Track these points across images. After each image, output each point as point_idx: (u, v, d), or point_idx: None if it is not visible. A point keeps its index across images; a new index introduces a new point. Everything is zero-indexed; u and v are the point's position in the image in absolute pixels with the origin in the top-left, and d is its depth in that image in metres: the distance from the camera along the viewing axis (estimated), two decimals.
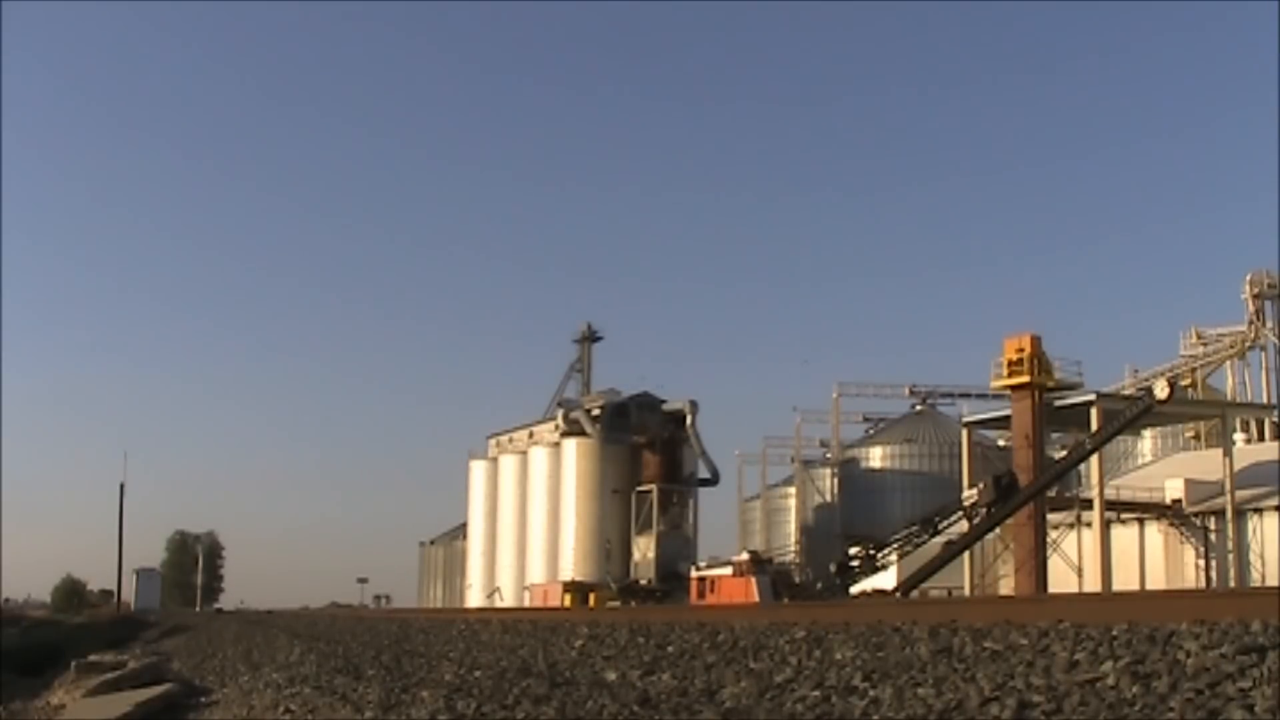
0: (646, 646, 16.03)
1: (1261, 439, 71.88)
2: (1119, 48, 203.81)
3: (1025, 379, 57.40)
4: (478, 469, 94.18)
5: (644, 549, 79.69)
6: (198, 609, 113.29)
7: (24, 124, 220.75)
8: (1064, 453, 60.58)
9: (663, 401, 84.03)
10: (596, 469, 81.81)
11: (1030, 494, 54.43)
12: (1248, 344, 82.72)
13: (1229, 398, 78.45)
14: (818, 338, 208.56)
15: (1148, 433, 78.34)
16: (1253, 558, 54.80)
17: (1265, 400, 79.23)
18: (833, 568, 57.22)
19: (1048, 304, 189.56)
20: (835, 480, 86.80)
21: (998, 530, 57.10)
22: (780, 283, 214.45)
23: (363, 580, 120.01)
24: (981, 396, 78.60)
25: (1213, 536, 56.76)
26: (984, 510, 53.87)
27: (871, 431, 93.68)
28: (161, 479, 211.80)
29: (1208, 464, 60.90)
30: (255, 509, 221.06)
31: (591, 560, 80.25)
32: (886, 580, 56.05)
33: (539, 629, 21.51)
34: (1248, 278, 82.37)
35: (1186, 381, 78.91)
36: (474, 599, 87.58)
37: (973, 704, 8.59)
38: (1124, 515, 58.99)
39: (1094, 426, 54.98)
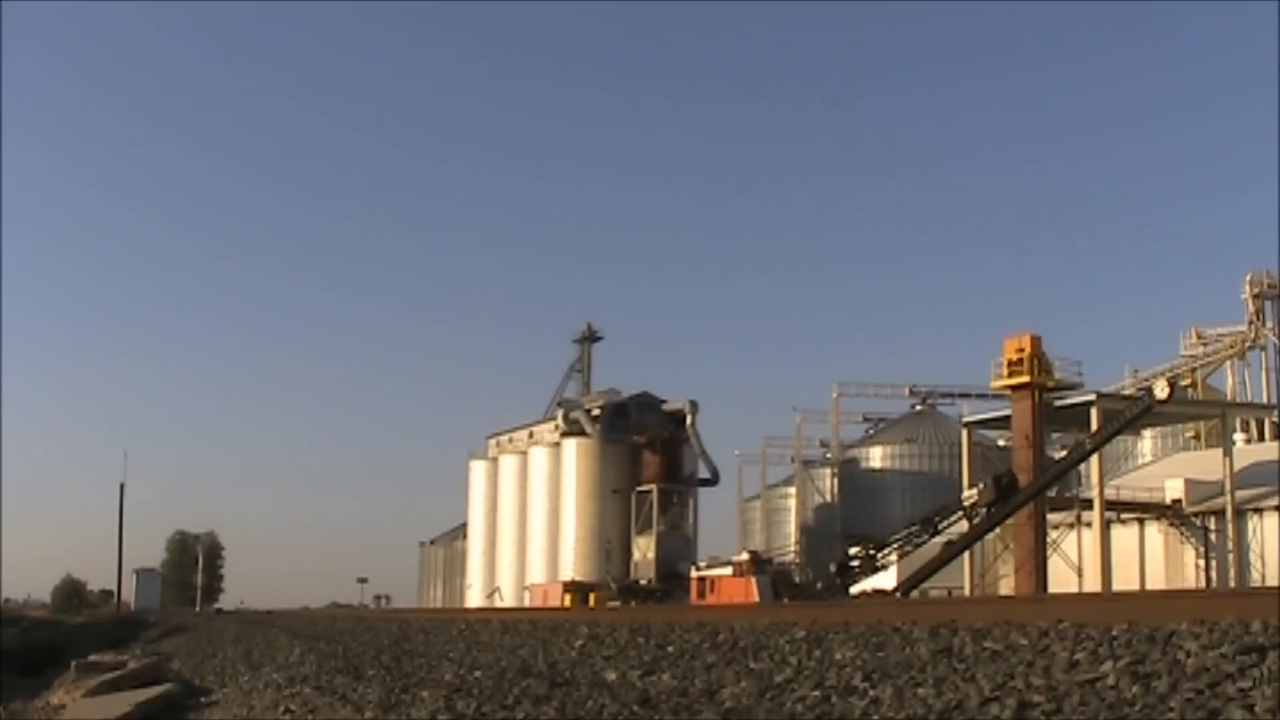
0: (646, 646, 16.03)
1: (1261, 439, 71.88)
2: (1119, 47, 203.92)
3: (1025, 379, 57.39)
4: (478, 469, 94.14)
5: (644, 549, 79.65)
6: (198, 609, 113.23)
7: (24, 123, 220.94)
8: (1064, 453, 60.56)
9: (663, 401, 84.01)
10: (596, 469, 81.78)
11: (1030, 494, 54.42)
12: (1248, 344, 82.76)
13: (1229, 398, 78.45)
14: (818, 338, 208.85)
15: (1148, 433, 78.33)
16: (1253, 558, 54.80)
17: (1265, 400, 79.26)
18: (833, 568, 57.20)
19: (1048, 304, 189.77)
20: (835, 480, 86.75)
21: (998, 530, 57.09)
22: (780, 282, 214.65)
23: (363, 580, 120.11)
24: (981, 396, 78.62)
25: (1213, 536, 56.76)
26: (984, 510, 53.86)
27: (871, 431, 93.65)
28: (161, 479, 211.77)
29: (1208, 464, 60.89)
30: (255, 509, 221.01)
31: (591, 560, 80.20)
32: (886, 580, 56.03)
33: (539, 629, 21.51)
34: (1248, 278, 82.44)
35: (1186, 381, 78.92)
36: (474, 599, 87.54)
37: (973, 704, 8.59)
38: (1124, 515, 58.99)
39: (1094, 426, 54.97)
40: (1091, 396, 58.58)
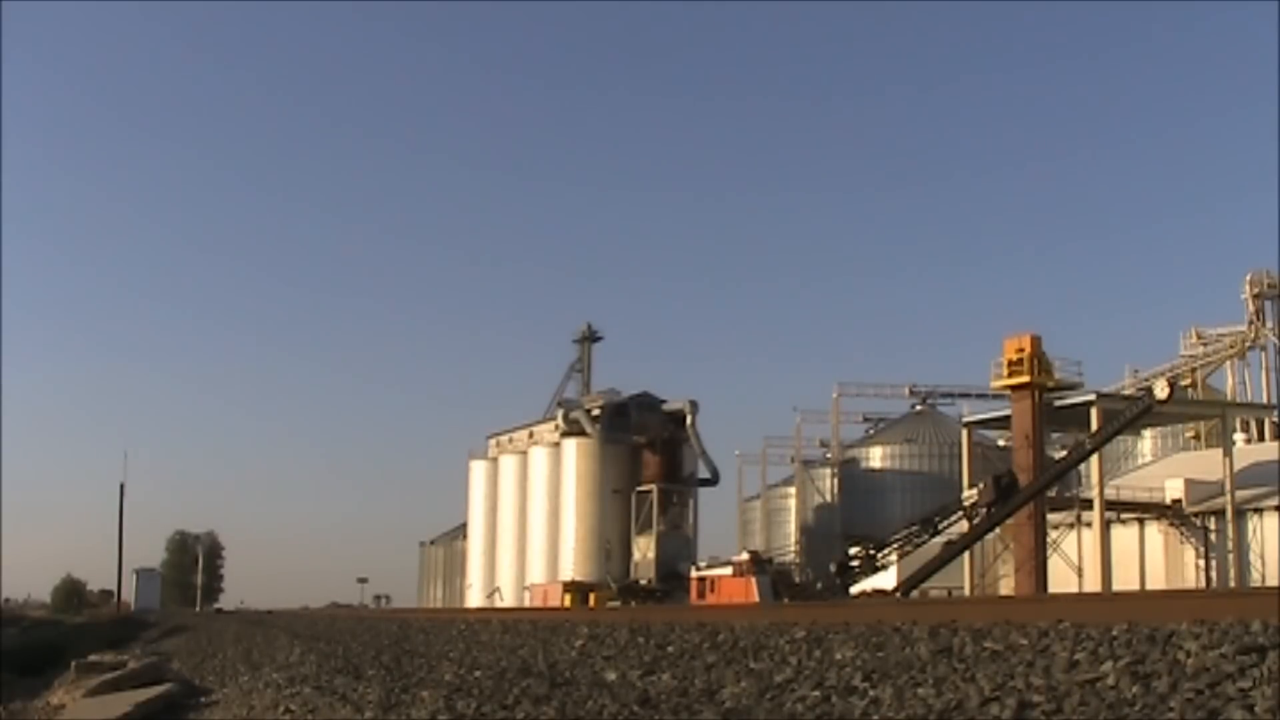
0: (646, 646, 16.03)
1: (1261, 439, 71.90)
2: (1119, 48, 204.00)
3: (1025, 379, 57.40)
4: (478, 469, 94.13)
5: (644, 549, 79.64)
6: (198, 609, 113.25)
7: (24, 123, 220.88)
8: (1064, 453, 60.57)
9: (663, 401, 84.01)
10: (596, 469, 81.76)
11: (1030, 494, 54.41)
12: (1248, 344, 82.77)
13: (1229, 398, 78.45)
14: (818, 338, 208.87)
15: (1148, 433, 78.33)
16: (1253, 558, 54.81)
17: (1265, 400, 79.26)
18: (833, 568, 57.18)
19: (1048, 304, 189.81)
20: (835, 480, 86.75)
21: (998, 530, 57.09)
22: (780, 283, 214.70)
23: (363, 580, 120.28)
24: (981, 396, 78.61)
25: (1213, 536, 56.77)
26: (984, 510, 53.85)
27: (871, 431, 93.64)
28: (161, 479, 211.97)
29: (1208, 464, 60.90)
30: (255, 509, 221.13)
31: (591, 560, 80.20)
32: (886, 580, 56.03)
33: (539, 629, 21.51)
34: (1248, 278, 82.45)
35: (1186, 381, 78.93)
36: (474, 599, 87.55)
37: (973, 704, 8.59)
38: (1124, 515, 58.99)
39: (1094, 426, 54.97)
40: (1091, 396, 58.58)
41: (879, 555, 56.26)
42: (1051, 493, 58.46)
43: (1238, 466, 57.07)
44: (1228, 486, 56.02)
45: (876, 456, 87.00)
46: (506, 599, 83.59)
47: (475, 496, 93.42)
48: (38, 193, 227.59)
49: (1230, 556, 55.42)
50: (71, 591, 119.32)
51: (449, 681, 14.66)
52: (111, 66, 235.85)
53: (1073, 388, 59.96)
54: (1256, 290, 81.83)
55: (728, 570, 59.03)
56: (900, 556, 56.56)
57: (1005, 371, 58.52)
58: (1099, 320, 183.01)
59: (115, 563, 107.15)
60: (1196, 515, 57.56)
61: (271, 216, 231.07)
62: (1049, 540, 57.90)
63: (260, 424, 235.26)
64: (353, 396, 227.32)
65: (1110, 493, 57.65)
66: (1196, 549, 57.34)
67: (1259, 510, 55.35)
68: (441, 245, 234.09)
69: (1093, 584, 54.25)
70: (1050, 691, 8.51)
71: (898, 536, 56.87)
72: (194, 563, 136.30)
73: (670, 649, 15.38)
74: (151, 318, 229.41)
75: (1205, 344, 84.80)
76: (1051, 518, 58.88)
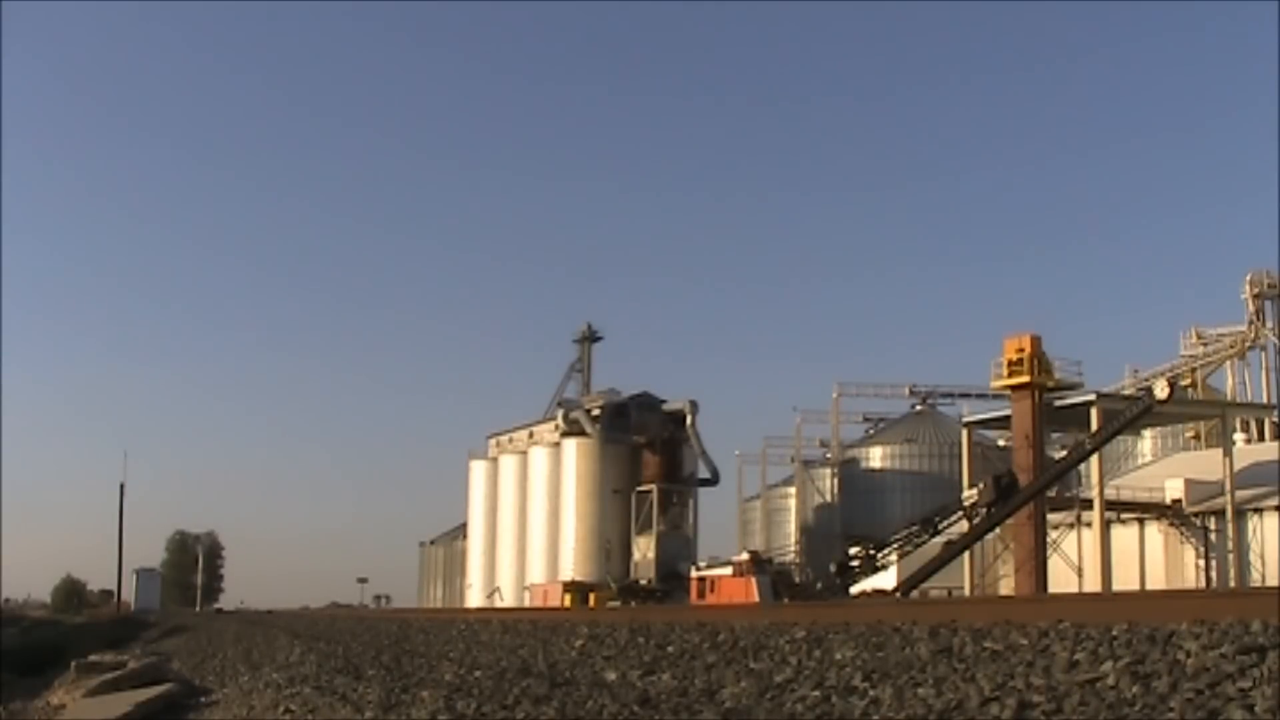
0: (646, 646, 16.02)
1: (1261, 439, 71.94)
2: (1119, 47, 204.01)
3: (1025, 379, 57.42)
4: (478, 469, 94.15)
5: (644, 549, 79.66)
6: (198, 609, 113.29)
7: (24, 123, 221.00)
8: (1064, 453, 60.58)
9: (663, 401, 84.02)
10: (596, 469, 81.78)
11: (1030, 494, 54.43)
12: (1248, 344, 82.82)
13: (1229, 398, 78.49)
14: (818, 338, 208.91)
15: (1148, 433, 78.36)
16: (1253, 558, 54.83)
17: (1265, 400, 79.33)
18: (833, 568, 57.22)
19: (1048, 304, 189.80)
20: (835, 480, 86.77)
21: (998, 530, 57.11)
22: (780, 283, 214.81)
23: (363, 580, 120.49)
24: (981, 396, 78.65)
25: (1213, 536, 56.78)
26: (984, 510, 53.88)
27: (871, 431, 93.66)
28: (161, 479, 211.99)
29: (1208, 464, 60.92)
30: (255, 509, 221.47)
31: (591, 560, 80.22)
32: (886, 580, 56.04)
33: (539, 629, 21.50)
34: (1248, 278, 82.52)
35: (1186, 381, 78.97)
36: (474, 599, 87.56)
37: (973, 704, 8.58)
38: (1124, 515, 59.02)
39: (1094, 426, 54.99)
40: (1091, 396, 58.60)
41: (879, 555, 56.29)
42: (1051, 493, 58.49)
43: (1238, 466, 57.10)
44: (1228, 486, 56.03)
45: (876, 456, 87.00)
46: (506, 599, 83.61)
47: (475, 496, 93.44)
48: (38, 193, 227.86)
49: (1230, 556, 55.44)
50: (71, 591, 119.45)
51: (449, 681, 14.66)
52: (112, 66, 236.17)
53: (1073, 388, 59.98)
54: (1256, 290, 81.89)
55: (728, 570, 59.04)
56: (900, 556, 56.58)
57: (1005, 371, 58.55)
58: (1099, 320, 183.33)
59: (115, 563, 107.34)
60: (1196, 515, 57.59)
61: (271, 216, 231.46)
62: (1049, 540, 57.92)
63: (260, 424, 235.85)
64: (353, 396, 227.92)
65: (1110, 493, 57.68)
66: (1196, 549, 57.35)
67: (1259, 510, 55.37)
68: (441, 244, 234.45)
69: (1093, 584, 54.27)
70: (1050, 691, 8.50)
71: (898, 536, 56.89)
72: (194, 563, 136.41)
73: (670, 649, 15.37)
74: (151, 318, 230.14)
75: (1205, 344, 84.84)
76: (1051, 518, 58.90)
